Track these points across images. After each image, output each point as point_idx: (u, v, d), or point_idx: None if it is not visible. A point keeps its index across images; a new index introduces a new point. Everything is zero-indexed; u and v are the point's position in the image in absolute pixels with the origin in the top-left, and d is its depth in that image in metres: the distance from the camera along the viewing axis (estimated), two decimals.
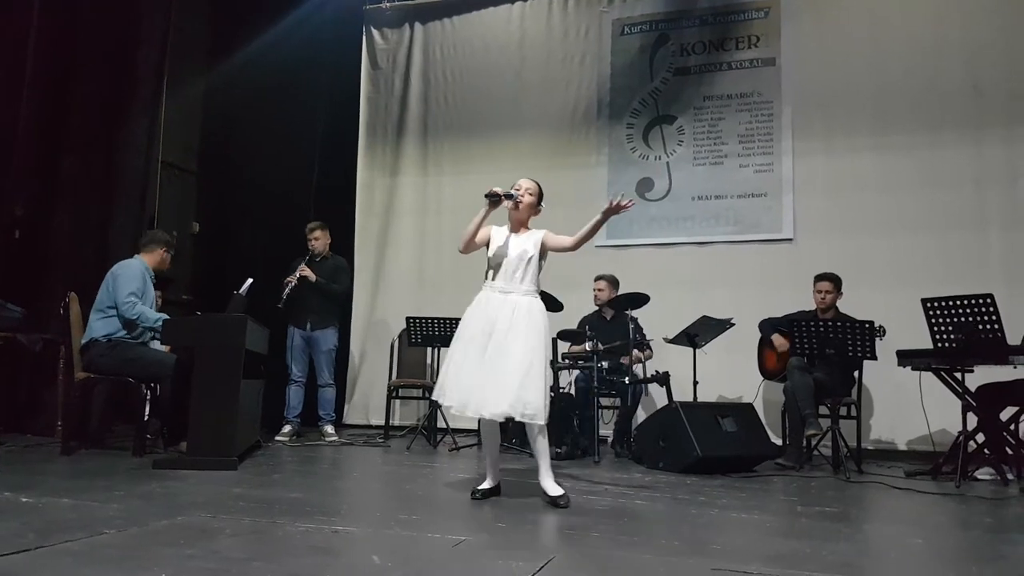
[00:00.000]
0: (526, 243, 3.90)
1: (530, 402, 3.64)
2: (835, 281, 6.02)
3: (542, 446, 3.80)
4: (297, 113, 8.42)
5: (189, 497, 3.58)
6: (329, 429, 6.80)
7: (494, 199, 3.86)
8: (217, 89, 8.50)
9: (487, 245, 3.96)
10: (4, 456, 5.00)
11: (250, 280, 5.58)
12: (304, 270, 6.66)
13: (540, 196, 4.00)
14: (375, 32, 8.84)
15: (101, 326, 5.19)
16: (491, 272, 3.93)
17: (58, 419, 5.76)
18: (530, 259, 3.87)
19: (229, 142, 8.55)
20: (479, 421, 3.94)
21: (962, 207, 6.71)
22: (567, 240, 3.92)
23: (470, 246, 3.95)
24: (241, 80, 8.26)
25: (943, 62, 6.91)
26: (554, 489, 3.73)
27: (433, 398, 3.89)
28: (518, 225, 3.96)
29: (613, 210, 3.75)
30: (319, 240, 6.85)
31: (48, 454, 5.09)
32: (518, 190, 3.94)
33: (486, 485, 3.91)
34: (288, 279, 6.64)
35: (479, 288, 3.96)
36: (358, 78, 8.79)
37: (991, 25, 6.82)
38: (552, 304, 5.77)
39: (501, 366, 3.68)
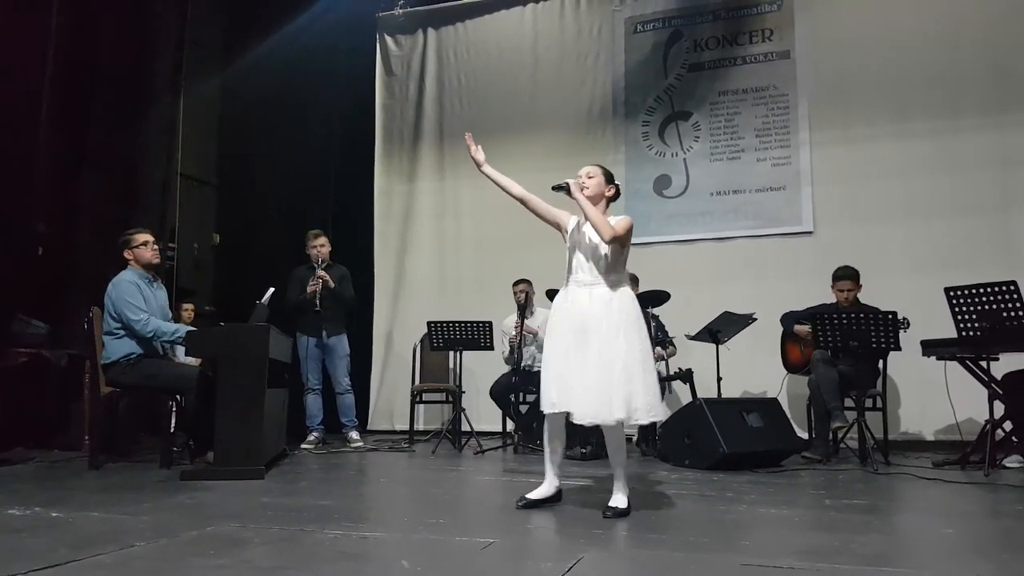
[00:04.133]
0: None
1: (640, 405, 3.41)
2: (855, 278, 5.93)
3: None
4: (313, 122, 8.49)
5: (218, 507, 3.60)
6: (354, 435, 6.79)
7: (560, 190, 3.67)
8: (233, 100, 8.58)
9: (563, 233, 3.76)
10: (33, 471, 5.04)
11: (272, 289, 5.60)
12: (323, 275, 6.60)
13: (608, 178, 3.71)
14: (388, 39, 8.89)
15: (117, 348, 5.11)
16: (570, 265, 3.69)
17: (85, 433, 5.79)
18: (604, 249, 3.57)
19: (246, 152, 8.60)
20: (545, 420, 3.61)
21: (984, 192, 6.64)
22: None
23: (527, 203, 3.76)
24: (256, 90, 8.31)
25: (960, 45, 6.84)
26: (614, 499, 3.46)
27: (544, 410, 3.57)
28: None
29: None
30: (324, 247, 6.76)
31: (76, 468, 5.12)
32: (578, 178, 3.69)
33: (545, 491, 3.61)
34: (312, 285, 6.56)
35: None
36: (373, 85, 8.84)
37: (1007, 4, 6.75)
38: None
39: (610, 368, 3.42)
